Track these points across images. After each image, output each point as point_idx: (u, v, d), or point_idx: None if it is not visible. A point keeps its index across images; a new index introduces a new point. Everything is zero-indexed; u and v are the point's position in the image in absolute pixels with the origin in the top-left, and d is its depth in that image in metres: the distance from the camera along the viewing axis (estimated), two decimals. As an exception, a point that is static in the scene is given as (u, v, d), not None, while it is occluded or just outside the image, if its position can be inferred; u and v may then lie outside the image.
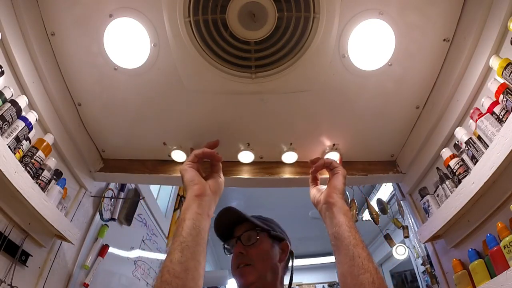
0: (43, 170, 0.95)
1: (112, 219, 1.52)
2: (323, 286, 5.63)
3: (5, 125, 0.80)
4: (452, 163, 0.98)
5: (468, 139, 0.90)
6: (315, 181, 1.04)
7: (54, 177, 1.02)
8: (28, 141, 0.90)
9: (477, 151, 0.87)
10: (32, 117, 0.90)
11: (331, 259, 5.40)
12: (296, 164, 1.28)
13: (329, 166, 0.97)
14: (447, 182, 1.01)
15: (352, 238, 0.78)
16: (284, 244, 1.05)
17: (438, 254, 1.17)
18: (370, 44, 0.94)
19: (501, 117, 0.80)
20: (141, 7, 0.89)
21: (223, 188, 0.95)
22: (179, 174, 1.29)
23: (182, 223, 0.78)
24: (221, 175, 0.96)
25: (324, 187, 0.98)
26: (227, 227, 1.03)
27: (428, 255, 1.71)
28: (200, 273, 0.72)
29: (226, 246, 1.02)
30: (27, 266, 0.95)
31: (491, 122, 0.83)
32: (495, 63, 0.81)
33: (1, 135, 0.79)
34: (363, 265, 0.73)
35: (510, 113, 0.77)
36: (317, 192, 0.96)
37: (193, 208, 0.80)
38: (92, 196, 1.32)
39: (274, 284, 0.95)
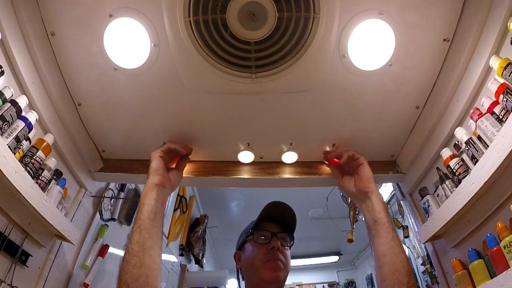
0: (43, 170, 0.96)
1: (112, 219, 1.52)
2: (323, 286, 5.63)
3: (5, 125, 0.80)
4: (452, 163, 0.98)
5: (468, 139, 0.90)
6: (341, 173, 1.10)
7: (54, 177, 1.02)
8: (28, 141, 0.90)
9: (477, 151, 0.87)
10: (32, 117, 0.90)
11: (331, 259, 5.40)
12: (296, 164, 1.28)
13: (353, 157, 1.05)
14: (447, 182, 1.01)
15: (390, 223, 0.90)
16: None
17: (438, 254, 1.17)
18: (370, 44, 0.94)
19: (501, 117, 0.80)
20: (141, 7, 0.89)
21: (178, 186, 1.07)
22: (179, 174, 1.29)
23: (141, 207, 0.87)
24: (182, 173, 1.08)
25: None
26: (272, 218, 1.06)
27: (428, 255, 1.71)
28: (157, 251, 0.81)
29: (255, 234, 1.03)
30: (27, 266, 0.95)
31: (491, 122, 0.83)
32: (495, 63, 0.81)
33: (1, 135, 0.79)
34: (400, 246, 0.85)
35: (510, 113, 0.77)
36: (349, 183, 1.03)
37: (152, 195, 0.89)
38: (92, 196, 1.32)
39: None
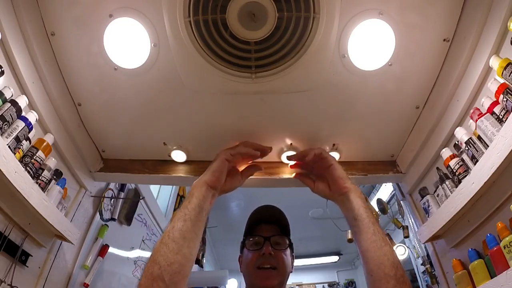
0: (43, 170, 0.96)
1: (112, 219, 1.52)
2: (323, 286, 5.63)
3: (5, 125, 0.80)
4: (452, 163, 0.98)
5: (468, 139, 0.90)
6: (312, 179, 1.05)
7: (54, 177, 1.02)
8: (28, 141, 0.90)
9: (477, 151, 0.87)
10: (32, 117, 0.90)
11: (331, 259, 5.41)
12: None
13: (320, 156, 0.99)
14: (447, 182, 1.01)
15: (371, 217, 0.87)
16: (292, 255, 1.06)
17: (438, 254, 1.17)
18: (370, 44, 0.94)
19: (501, 117, 0.80)
20: (141, 7, 0.89)
21: (233, 190, 1.01)
22: (179, 174, 1.31)
23: (190, 198, 0.85)
24: (243, 180, 1.03)
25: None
26: (262, 222, 1.04)
27: (428, 255, 1.71)
28: (196, 244, 0.81)
29: (247, 241, 1.03)
30: (27, 266, 0.95)
31: (491, 122, 0.83)
32: (495, 63, 0.81)
33: (1, 135, 0.79)
34: (383, 239, 0.82)
35: (510, 113, 0.77)
36: (323, 187, 0.99)
37: (202, 190, 0.87)
38: (92, 196, 1.32)
39: None
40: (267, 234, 0.99)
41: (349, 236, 1.95)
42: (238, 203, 3.62)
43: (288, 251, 1.02)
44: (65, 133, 1.10)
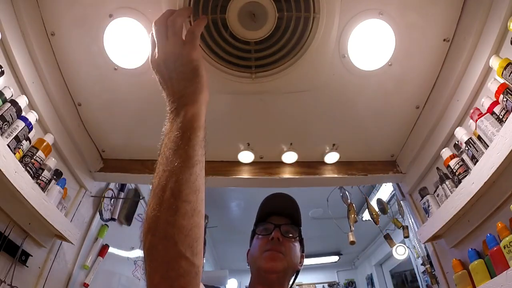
0: (43, 170, 0.96)
1: (112, 219, 1.52)
2: (323, 286, 5.63)
3: (5, 125, 0.80)
4: (452, 163, 0.98)
5: (468, 139, 0.90)
6: None
7: (54, 177, 1.02)
8: (28, 141, 0.90)
9: (477, 151, 0.87)
10: (32, 117, 0.90)
11: (331, 259, 5.41)
12: (296, 164, 1.28)
13: None
14: (447, 182, 1.01)
15: None
16: (302, 255, 1.06)
17: (438, 254, 1.17)
18: (370, 44, 0.94)
19: (501, 117, 0.80)
20: (141, 7, 0.89)
21: None
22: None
23: (199, 132, 0.62)
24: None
25: None
26: (274, 211, 1.02)
27: (428, 255, 1.71)
28: (203, 190, 0.59)
29: (257, 230, 1.01)
30: (27, 266, 0.95)
31: (491, 122, 0.83)
32: (495, 63, 0.81)
33: (1, 135, 0.79)
34: None
35: (510, 113, 0.77)
36: None
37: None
38: (92, 196, 1.32)
39: (286, 285, 0.95)
40: (278, 222, 0.99)
41: (351, 238, 1.95)
42: (238, 203, 3.61)
43: (297, 244, 1.01)
44: (65, 133, 1.10)
